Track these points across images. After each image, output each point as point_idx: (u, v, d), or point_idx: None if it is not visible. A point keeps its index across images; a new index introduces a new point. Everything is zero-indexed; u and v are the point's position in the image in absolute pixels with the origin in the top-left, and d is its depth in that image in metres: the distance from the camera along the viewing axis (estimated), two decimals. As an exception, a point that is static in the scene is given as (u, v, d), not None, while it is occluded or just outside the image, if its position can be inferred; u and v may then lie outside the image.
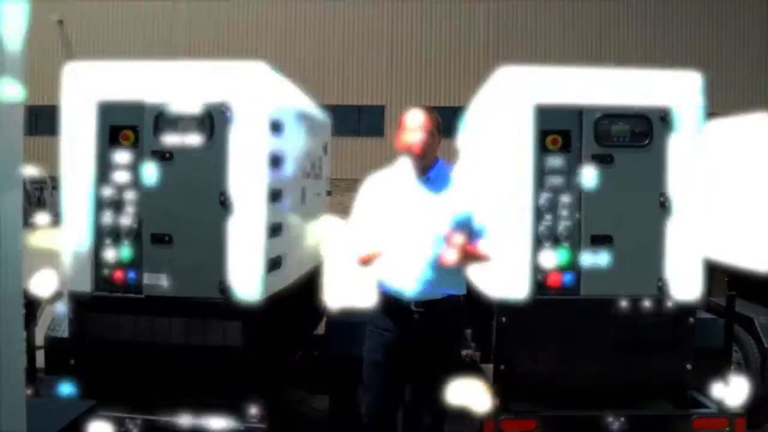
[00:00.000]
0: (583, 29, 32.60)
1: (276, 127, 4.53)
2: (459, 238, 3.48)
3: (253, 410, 4.12)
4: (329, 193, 7.24)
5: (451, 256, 3.49)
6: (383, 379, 3.76)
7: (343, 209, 4.91)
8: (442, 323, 3.70)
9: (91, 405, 2.48)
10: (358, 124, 31.71)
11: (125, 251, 4.31)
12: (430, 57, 32.43)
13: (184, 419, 4.10)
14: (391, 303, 3.74)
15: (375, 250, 3.73)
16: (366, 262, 3.80)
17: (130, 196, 4.30)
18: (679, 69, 4.68)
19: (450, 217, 3.64)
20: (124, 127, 4.32)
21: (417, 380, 3.79)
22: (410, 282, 3.65)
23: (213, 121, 4.20)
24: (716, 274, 7.12)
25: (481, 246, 3.75)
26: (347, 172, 28.04)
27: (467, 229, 3.67)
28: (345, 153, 30.10)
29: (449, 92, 31.96)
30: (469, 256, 3.65)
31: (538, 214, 4.36)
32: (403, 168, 3.82)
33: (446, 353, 3.79)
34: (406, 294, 3.67)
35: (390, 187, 3.82)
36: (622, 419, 4.21)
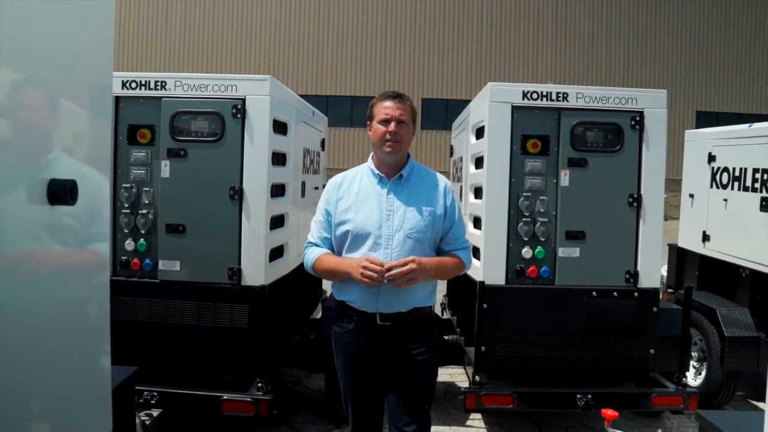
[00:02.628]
0: (577, 19, 32.89)
1: (279, 129, 4.95)
2: (400, 268, 3.14)
3: (259, 384, 4.56)
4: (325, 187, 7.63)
5: (396, 283, 3.16)
6: (358, 397, 3.46)
7: None
8: (411, 337, 3.36)
9: (135, 369, 2.91)
10: (351, 115, 32.03)
11: (142, 240, 4.73)
12: (424, 49, 32.67)
13: (198, 392, 4.52)
14: (354, 318, 3.37)
15: (340, 262, 3.34)
16: (326, 271, 3.42)
17: (147, 189, 4.71)
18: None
19: (426, 221, 3.33)
20: (141, 126, 4.74)
21: (396, 391, 3.39)
22: (373, 294, 3.29)
23: (224, 123, 4.61)
24: (689, 269, 7.63)
25: (458, 255, 3.46)
26: (340, 162, 28.42)
27: (442, 233, 3.42)
28: (338, 143, 30.50)
29: (443, 84, 32.31)
30: (425, 274, 3.25)
31: (519, 211, 4.80)
32: (373, 166, 3.45)
33: (420, 367, 3.38)
34: (370, 307, 3.31)
35: (357, 189, 3.41)
36: (589, 396, 4.66)
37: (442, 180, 3.53)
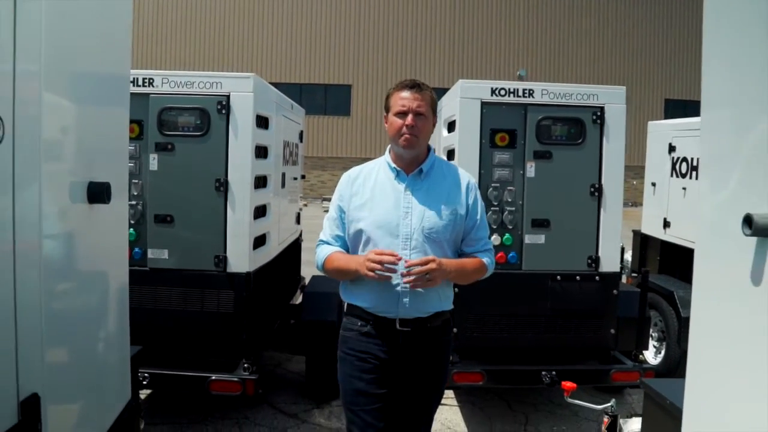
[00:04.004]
0: (548, 9, 33.27)
1: (261, 123, 5.21)
2: (418, 267, 2.93)
3: (245, 365, 4.85)
4: (303, 177, 7.92)
5: (416, 285, 2.98)
6: (369, 408, 3.15)
7: (309, 186, 5.46)
8: (430, 343, 3.17)
9: (139, 349, 3.18)
10: (325, 103, 32.19)
11: (131, 230, 4.97)
12: (397, 38, 32.85)
13: (187, 372, 4.80)
14: (370, 322, 3.13)
15: (348, 260, 3.14)
16: (340, 272, 3.18)
17: (135, 182, 4.93)
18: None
19: (446, 221, 3.11)
20: (130, 121, 4.95)
21: (404, 402, 3.20)
22: (395, 297, 3.06)
23: (210, 119, 4.85)
24: (651, 254, 8.02)
25: (481, 258, 3.23)
26: (314, 150, 28.62)
27: (463, 234, 3.21)
28: (312, 131, 30.62)
29: (415, 73, 32.51)
30: (444, 275, 3.03)
31: (488, 201, 5.11)
32: (390, 159, 3.23)
33: (435, 373, 3.24)
34: (389, 311, 3.09)
35: (373, 184, 3.19)
36: (554, 373, 5.00)
37: (466, 176, 3.30)
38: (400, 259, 2.93)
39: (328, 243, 3.27)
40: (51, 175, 1.72)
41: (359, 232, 3.13)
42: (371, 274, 2.91)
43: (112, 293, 2.34)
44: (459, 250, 3.24)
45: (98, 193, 1.92)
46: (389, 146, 3.26)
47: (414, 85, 3.16)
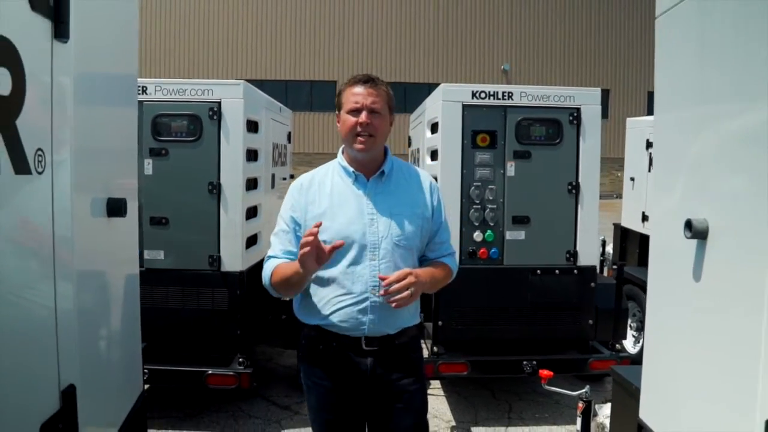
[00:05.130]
0: (532, 6, 33.49)
1: (251, 128, 5.42)
2: (396, 283, 2.62)
3: (240, 359, 5.07)
4: (292, 177, 8.12)
5: (400, 304, 2.65)
6: None
7: None
8: (399, 362, 2.87)
9: (144, 344, 3.41)
10: (310, 99, 32.33)
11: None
12: (382, 33, 33.01)
13: (185, 368, 5.01)
14: (331, 343, 2.81)
15: (288, 264, 2.76)
16: (285, 280, 2.75)
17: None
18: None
19: (415, 226, 2.84)
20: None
21: (385, 429, 2.92)
22: (358, 314, 2.76)
23: (202, 124, 5.06)
24: (631, 246, 8.28)
25: (446, 263, 3.00)
26: (299, 146, 28.77)
27: (427, 240, 2.95)
28: (299, 128, 30.73)
29: (400, 68, 32.68)
30: (422, 288, 2.76)
31: (470, 199, 5.34)
32: (345, 162, 2.91)
33: (414, 394, 2.90)
34: (353, 329, 2.77)
35: (330, 191, 2.86)
36: (535, 362, 5.25)
37: (427, 177, 3.05)
38: (319, 225, 2.56)
39: (277, 258, 2.87)
40: (80, 198, 1.97)
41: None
42: (306, 249, 2.47)
43: (127, 295, 2.61)
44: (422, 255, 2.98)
45: (116, 208, 2.18)
46: (341, 148, 2.95)
47: (368, 80, 2.83)
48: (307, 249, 2.47)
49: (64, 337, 1.81)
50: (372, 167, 2.87)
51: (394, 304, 2.62)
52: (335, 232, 2.73)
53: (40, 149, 1.66)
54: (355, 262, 2.74)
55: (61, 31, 1.73)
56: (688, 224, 1.88)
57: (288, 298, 3.31)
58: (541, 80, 32.27)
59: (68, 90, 1.84)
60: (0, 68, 1.40)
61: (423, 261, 2.97)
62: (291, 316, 6.13)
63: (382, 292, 2.64)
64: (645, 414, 2.56)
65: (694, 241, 1.91)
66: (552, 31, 33.58)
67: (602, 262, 8.50)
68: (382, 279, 2.63)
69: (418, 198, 2.91)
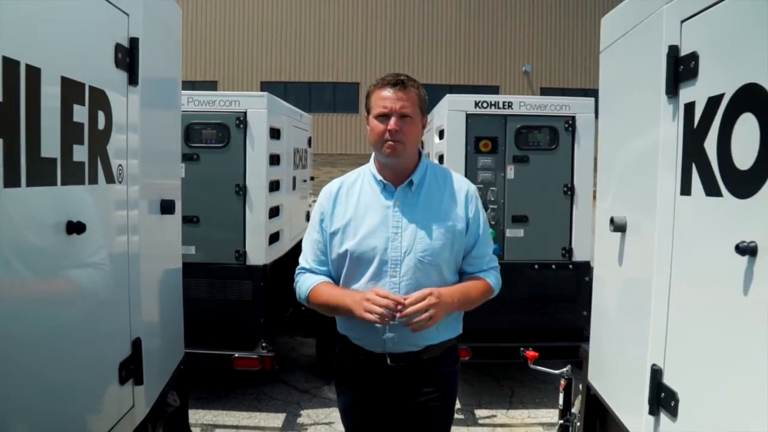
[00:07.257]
0: (552, 8, 33.73)
1: (274, 135, 5.96)
2: (417, 306, 2.46)
3: (263, 344, 5.61)
4: (312, 179, 8.68)
5: (418, 328, 2.50)
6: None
7: (318, 183, 6.08)
8: (424, 378, 2.73)
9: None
10: (333, 101, 32.85)
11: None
12: (404, 35, 33.38)
13: (214, 351, 5.57)
14: (358, 357, 2.75)
15: (341, 296, 2.65)
16: (329, 308, 2.71)
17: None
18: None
19: (443, 240, 2.64)
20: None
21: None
22: (378, 332, 2.64)
23: (230, 132, 5.61)
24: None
25: (485, 278, 2.80)
26: (323, 148, 29.31)
27: (463, 253, 2.75)
28: (321, 129, 31.29)
29: (422, 70, 33.04)
30: (446, 309, 2.56)
31: (473, 200, 5.82)
32: (375, 170, 2.76)
33: (433, 410, 2.77)
34: (375, 346, 2.69)
35: (357, 200, 2.73)
36: (531, 349, 5.72)
37: (464, 183, 2.81)
38: (403, 305, 2.46)
39: (311, 271, 2.81)
40: (144, 199, 2.58)
41: (342, 256, 2.70)
42: (370, 316, 2.45)
43: (174, 277, 3.24)
44: (460, 269, 2.79)
45: (168, 207, 2.80)
46: (373, 154, 2.81)
47: (397, 82, 2.65)
48: (371, 317, 2.45)
49: (134, 304, 2.42)
50: (403, 174, 2.71)
51: (413, 329, 2.49)
52: (357, 245, 2.64)
53: (120, 165, 2.24)
54: (375, 277, 2.62)
55: (133, 79, 2.31)
56: (611, 220, 2.40)
57: None
58: (562, 81, 32.59)
59: (137, 121, 2.41)
60: (99, 111, 1.96)
61: (461, 275, 2.80)
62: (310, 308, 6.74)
63: (398, 315, 2.46)
64: (591, 377, 3.09)
65: (618, 234, 2.44)
66: (573, 32, 33.81)
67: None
68: (400, 303, 2.47)
69: (450, 209, 2.70)
